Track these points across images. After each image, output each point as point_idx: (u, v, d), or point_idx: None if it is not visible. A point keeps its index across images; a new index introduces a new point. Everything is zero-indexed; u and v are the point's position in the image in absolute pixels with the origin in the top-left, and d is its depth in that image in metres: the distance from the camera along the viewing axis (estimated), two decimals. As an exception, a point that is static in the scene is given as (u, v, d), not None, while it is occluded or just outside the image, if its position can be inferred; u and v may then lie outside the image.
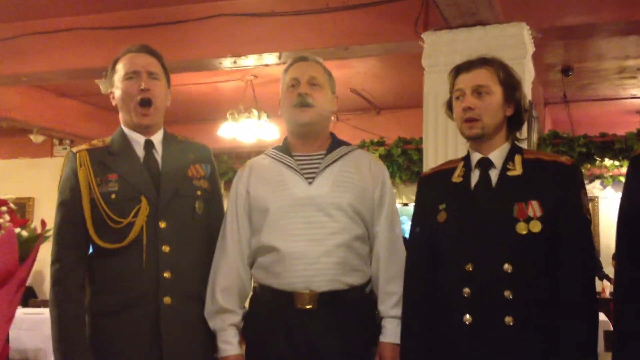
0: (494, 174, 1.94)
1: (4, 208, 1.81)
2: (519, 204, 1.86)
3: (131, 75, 2.13)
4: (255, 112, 6.51)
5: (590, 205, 2.06)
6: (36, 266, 1.96)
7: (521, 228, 1.84)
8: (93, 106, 7.64)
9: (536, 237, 1.83)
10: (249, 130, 6.57)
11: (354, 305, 2.06)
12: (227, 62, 4.95)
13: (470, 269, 1.85)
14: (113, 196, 2.06)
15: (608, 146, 6.61)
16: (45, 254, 2.07)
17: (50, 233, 1.97)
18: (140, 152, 2.16)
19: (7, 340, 1.78)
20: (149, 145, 2.17)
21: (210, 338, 2.09)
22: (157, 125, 2.21)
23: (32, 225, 1.89)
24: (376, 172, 2.18)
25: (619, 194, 1.84)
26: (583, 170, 6.79)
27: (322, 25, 4.55)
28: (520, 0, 4.11)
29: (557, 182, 1.88)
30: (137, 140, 2.17)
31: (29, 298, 6.63)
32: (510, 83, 1.97)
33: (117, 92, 2.16)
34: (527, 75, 4.07)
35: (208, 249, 2.16)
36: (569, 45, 5.63)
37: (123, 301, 2.02)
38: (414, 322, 1.97)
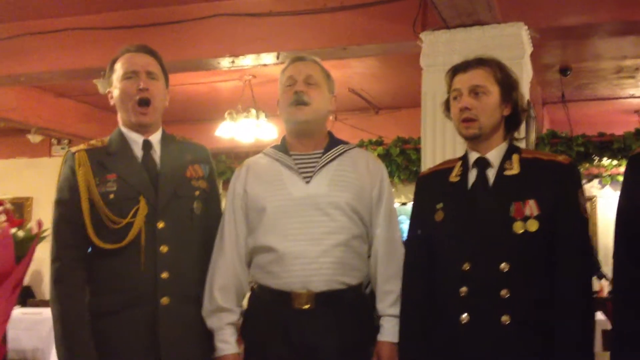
0: (491, 174, 1.95)
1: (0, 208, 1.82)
2: (516, 203, 1.87)
3: (130, 75, 2.13)
4: (253, 112, 6.50)
5: (588, 204, 2.08)
6: (34, 266, 1.96)
7: (518, 227, 1.84)
8: (91, 106, 7.62)
9: (533, 236, 1.83)
10: (247, 130, 6.56)
11: (351, 305, 2.06)
12: (225, 62, 4.94)
13: (467, 268, 1.86)
14: (111, 196, 2.06)
15: (606, 146, 6.62)
16: (43, 253, 2.08)
17: (47, 233, 1.97)
18: (138, 152, 2.16)
19: (5, 340, 1.78)
20: (147, 145, 2.17)
21: (208, 338, 2.10)
22: (156, 125, 2.21)
23: (29, 226, 1.90)
24: (374, 171, 2.18)
25: (617, 194, 1.84)
26: (581, 170, 6.84)
27: (320, 26, 4.55)
28: (518, 0, 4.11)
29: (555, 182, 1.88)
30: (136, 140, 2.17)
31: (27, 298, 6.62)
32: (507, 83, 1.98)
33: (116, 92, 2.16)
34: (525, 75, 4.07)
35: (206, 250, 2.16)
36: (567, 45, 5.63)
37: (121, 301, 2.02)
38: (412, 321, 1.97)
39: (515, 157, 1.95)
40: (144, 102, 2.12)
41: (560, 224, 1.84)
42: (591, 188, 7.61)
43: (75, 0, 4.73)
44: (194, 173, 2.20)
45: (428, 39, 4.20)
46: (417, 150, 6.37)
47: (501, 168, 1.94)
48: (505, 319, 1.80)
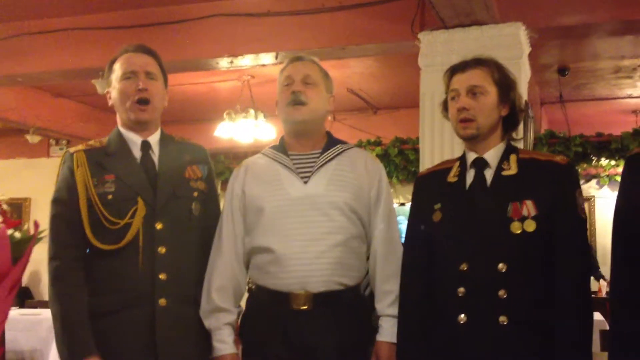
0: (488, 174, 1.95)
1: (-4, 209, 1.82)
2: (513, 203, 1.87)
3: (129, 75, 2.12)
4: (252, 112, 6.51)
5: (586, 205, 2.08)
6: (32, 267, 1.96)
7: (515, 227, 1.84)
8: (90, 106, 7.62)
9: (530, 237, 1.83)
10: (246, 130, 6.56)
11: (350, 305, 2.06)
12: (223, 62, 4.94)
13: (465, 269, 1.86)
14: (110, 197, 2.06)
15: (604, 146, 6.63)
16: (41, 254, 2.07)
17: (44, 234, 1.97)
18: (137, 152, 2.15)
19: (3, 341, 1.78)
20: (145, 146, 2.16)
21: (205, 339, 2.09)
22: (154, 125, 2.21)
23: (26, 227, 1.90)
24: (372, 170, 2.18)
25: (615, 194, 1.85)
26: (579, 170, 6.84)
27: (319, 26, 4.55)
28: (516, 0, 4.11)
29: (552, 182, 1.88)
30: (134, 140, 2.16)
31: (26, 299, 6.60)
32: (505, 83, 1.98)
33: (114, 92, 2.15)
34: (523, 75, 4.08)
35: (204, 251, 2.15)
36: (565, 45, 5.64)
37: (119, 302, 2.02)
38: (410, 321, 1.97)
39: (512, 158, 1.95)
40: (143, 102, 2.11)
41: (558, 224, 1.84)
42: (589, 188, 7.63)
43: (74, 0, 4.73)
44: (192, 174, 2.19)
45: (426, 39, 4.20)
46: (416, 151, 6.38)
47: (499, 168, 1.94)
48: (503, 319, 1.80)
